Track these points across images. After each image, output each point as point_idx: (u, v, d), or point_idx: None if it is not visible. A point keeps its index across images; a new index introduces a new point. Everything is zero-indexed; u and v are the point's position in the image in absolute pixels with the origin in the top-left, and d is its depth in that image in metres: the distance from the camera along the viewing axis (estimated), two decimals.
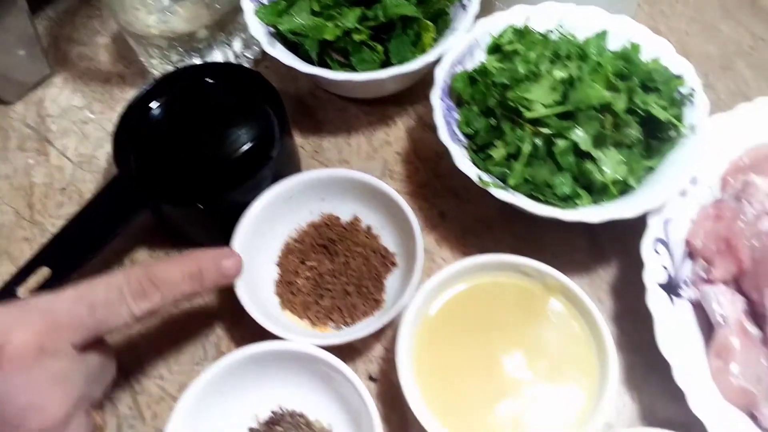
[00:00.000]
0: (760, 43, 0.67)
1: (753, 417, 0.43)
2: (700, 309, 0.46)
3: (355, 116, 0.62)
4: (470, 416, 0.43)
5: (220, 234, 0.50)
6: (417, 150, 0.60)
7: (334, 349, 0.47)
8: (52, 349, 0.36)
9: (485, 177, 0.48)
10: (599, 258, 0.54)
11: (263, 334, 0.46)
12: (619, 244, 0.53)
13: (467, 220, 0.56)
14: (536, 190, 0.47)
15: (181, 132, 0.53)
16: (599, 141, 0.47)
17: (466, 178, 0.48)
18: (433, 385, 0.45)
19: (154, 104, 0.54)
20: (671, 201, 0.49)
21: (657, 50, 0.53)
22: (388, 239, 0.53)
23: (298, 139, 0.61)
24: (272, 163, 0.50)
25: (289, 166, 0.54)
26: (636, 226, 0.48)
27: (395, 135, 0.61)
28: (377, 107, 0.62)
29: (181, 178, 0.51)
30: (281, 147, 0.51)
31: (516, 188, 0.48)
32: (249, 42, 0.64)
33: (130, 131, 0.52)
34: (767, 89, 0.62)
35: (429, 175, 0.58)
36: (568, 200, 0.47)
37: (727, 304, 0.44)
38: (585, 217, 0.46)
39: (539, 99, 0.48)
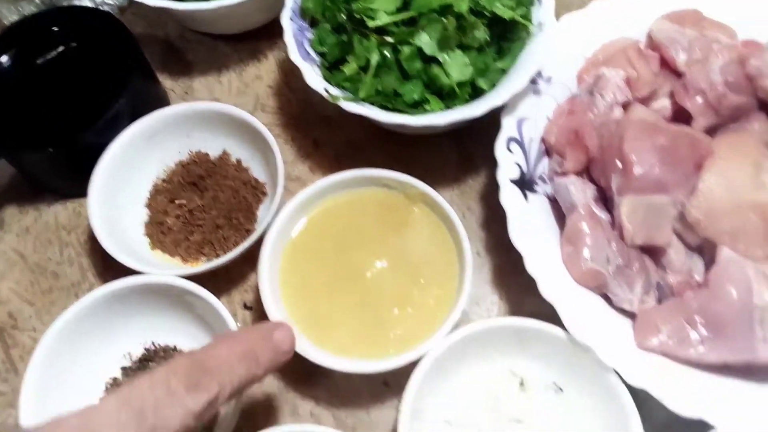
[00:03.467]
0: None
1: (606, 297, 0.44)
2: (555, 203, 0.47)
3: (226, 54, 0.61)
4: (335, 329, 0.44)
5: (82, 180, 0.49)
6: (289, 81, 0.59)
7: (209, 282, 0.46)
8: None
9: (334, 91, 0.47)
10: (469, 169, 0.54)
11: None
12: (488, 154, 0.53)
13: (340, 146, 0.55)
14: (386, 99, 0.47)
15: (32, 80, 0.52)
16: (444, 44, 0.47)
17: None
18: (299, 304, 0.45)
19: (2, 54, 0.52)
20: (525, 100, 0.49)
21: None
22: (258, 170, 0.53)
23: (168, 82, 0.59)
24: (123, 102, 0.49)
25: (151, 108, 0.53)
26: None
27: (266, 69, 0.60)
28: (248, 43, 0.61)
29: (32, 123, 0.50)
30: (133, 84, 0.50)
31: (367, 100, 0.47)
32: None
33: None
34: None
35: (302, 106, 0.58)
36: (418, 107, 0.47)
37: (577, 192, 0.45)
38: (432, 120, 0.46)
39: (382, 8, 0.47)
